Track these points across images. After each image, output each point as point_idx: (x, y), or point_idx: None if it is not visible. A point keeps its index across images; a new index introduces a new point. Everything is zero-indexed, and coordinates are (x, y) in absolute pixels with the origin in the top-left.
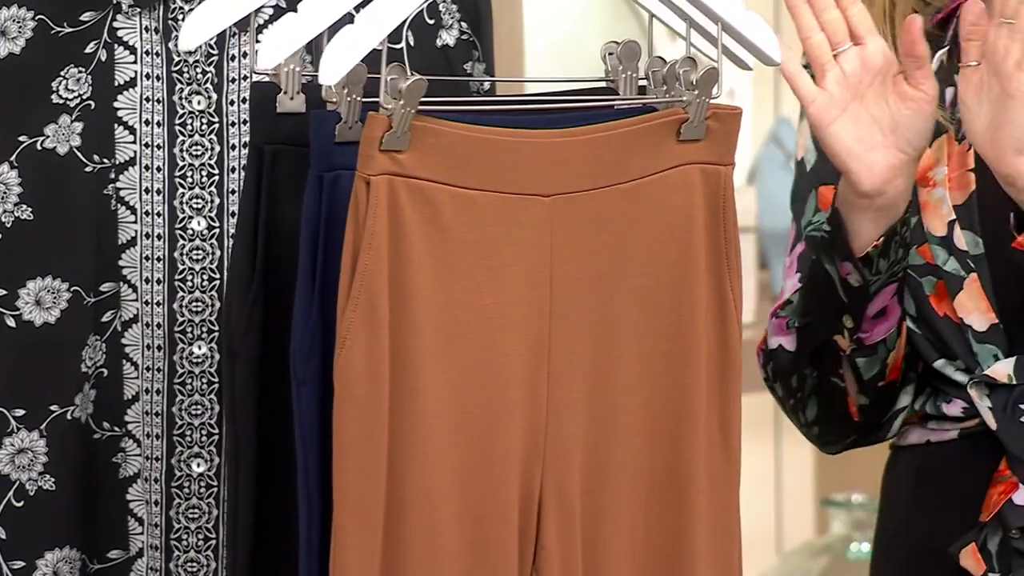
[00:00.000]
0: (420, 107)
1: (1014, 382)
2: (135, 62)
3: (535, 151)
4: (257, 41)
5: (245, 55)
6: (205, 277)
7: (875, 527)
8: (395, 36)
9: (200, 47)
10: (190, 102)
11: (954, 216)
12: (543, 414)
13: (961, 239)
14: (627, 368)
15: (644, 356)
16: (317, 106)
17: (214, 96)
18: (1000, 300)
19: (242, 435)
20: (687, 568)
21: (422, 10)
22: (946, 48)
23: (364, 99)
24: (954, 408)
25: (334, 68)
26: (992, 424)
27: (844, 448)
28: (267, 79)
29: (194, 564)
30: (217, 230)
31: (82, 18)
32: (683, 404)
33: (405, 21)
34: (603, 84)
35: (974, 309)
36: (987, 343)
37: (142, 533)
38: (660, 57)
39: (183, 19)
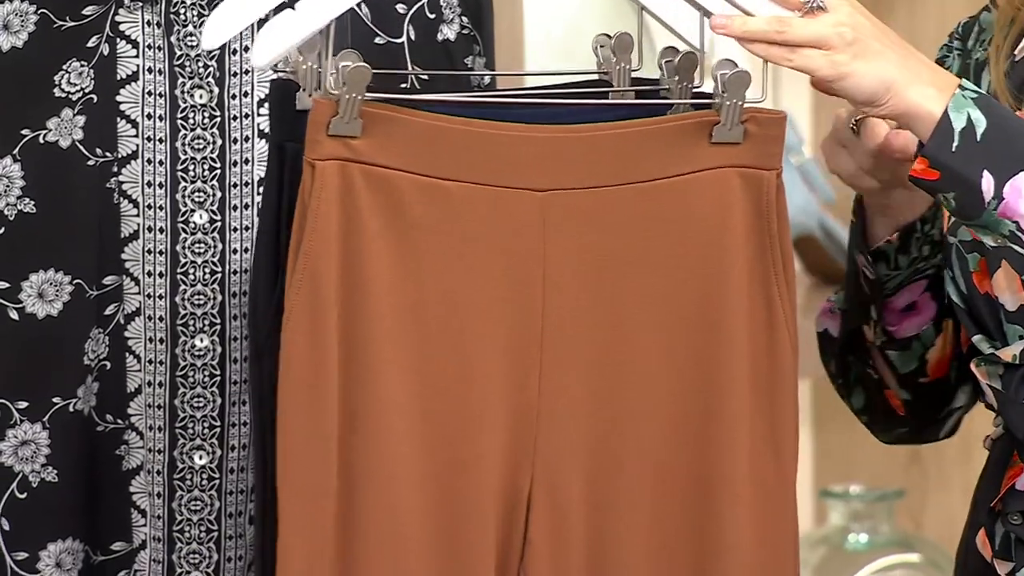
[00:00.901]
0: (407, 101)
1: (1018, 363)
2: (137, 56)
3: (525, 145)
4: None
5: (247, 49)
6: (207, 270)
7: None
8: (396, 31)
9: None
10: (192, 96)
11: None
12: (534, 414)
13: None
14: (641, 372)
15: (663, 360)
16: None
17: (216, 90)
18: None
19: (270, 431)
20: (722, 569)
21: (423, 4)
22: None
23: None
24: (989, 395)
25: (266, 51)
26: (994, 403)
27: (896, 440)
28: (286, 77)
29: (196, 556)
30: (219, 223)
31: (84, 12)
32: (716, 409)
33: (406, 16)
34: (597, 77)
35: (1007, 288)
36: (1015, 323)
37: (145, 525)
38: (672, 47)
39: (184, 13)
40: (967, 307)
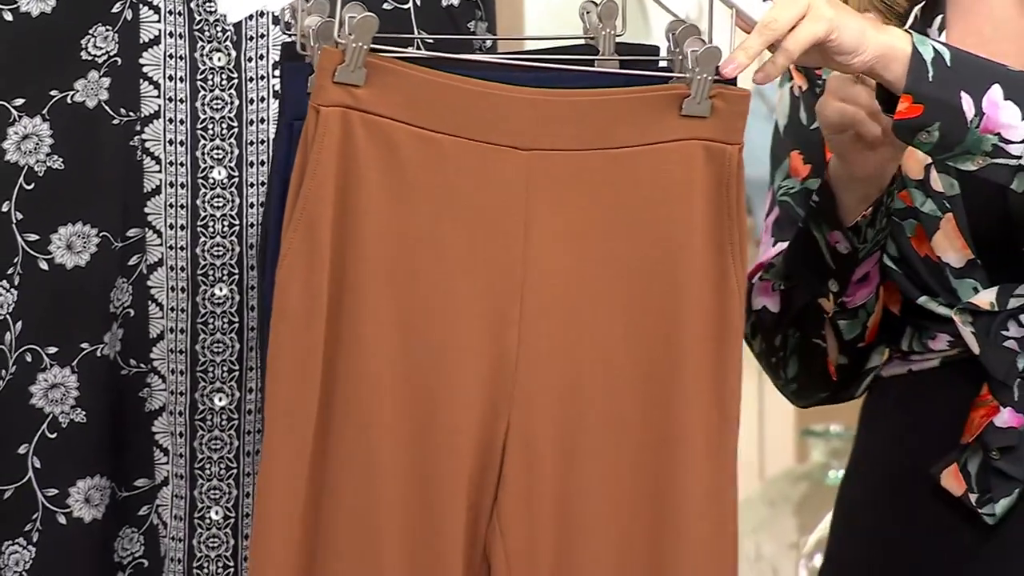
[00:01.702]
0: (408, 56)
1: (996, 309)
2: (159, 21)
3: (514, 105)
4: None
5: (263, 14)
6: (225, 223)
7: (852, 450)
8: None
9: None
10: (211, 59)
11: (930, 160)
12: (513, 359)
13: (937, 182)
14: (607, 327)
15: (629, 317)
16: None
17: (233, 53)
18: (975, 237)
19: None
20: (675, 519)
21: None
22: (922, 2)
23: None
24: (939, 343)
25: (236, 4)
26: (976, 349)
27: (815, 403)
28: (292, 42)
29: (216, 492)
30: (237, 179)
31: None
32: (673, 367)
33: None
34: (584, 42)
35: (949, 247)
36: (966, 278)
37: (167, 463)
38: (678, 19)
39: None
40: (904, 271)
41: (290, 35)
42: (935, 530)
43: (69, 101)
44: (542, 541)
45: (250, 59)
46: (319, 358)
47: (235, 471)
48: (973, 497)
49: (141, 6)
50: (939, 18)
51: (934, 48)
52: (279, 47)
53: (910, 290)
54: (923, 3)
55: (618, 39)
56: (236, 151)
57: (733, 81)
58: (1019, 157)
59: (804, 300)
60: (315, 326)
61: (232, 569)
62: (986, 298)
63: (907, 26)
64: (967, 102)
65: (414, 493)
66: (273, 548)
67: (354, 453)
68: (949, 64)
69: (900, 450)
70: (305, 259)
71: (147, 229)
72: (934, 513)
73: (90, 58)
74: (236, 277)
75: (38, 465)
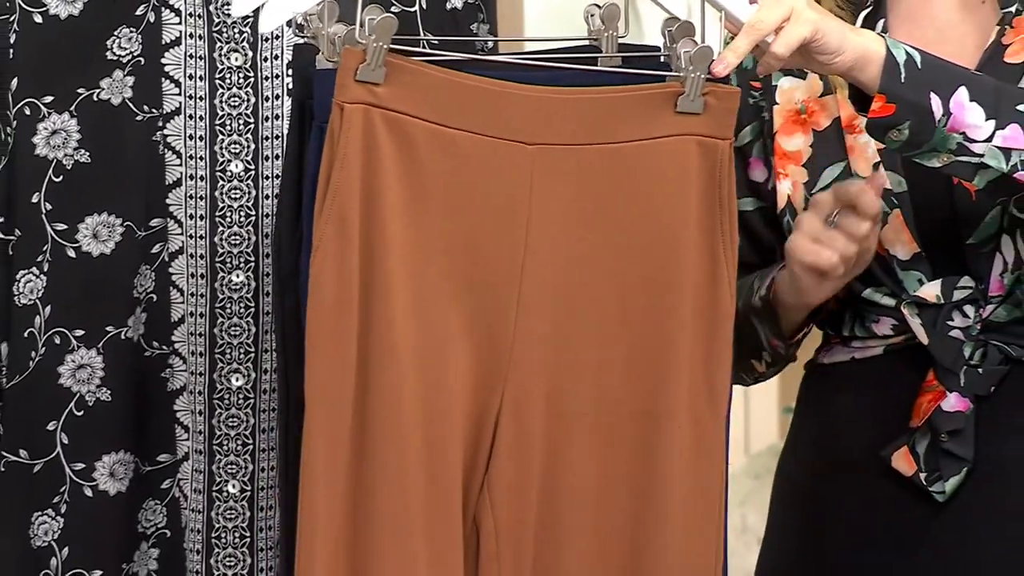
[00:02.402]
0: (421, 58)
1: (941, 301)
2: (180, 23)
3: (520, 103)
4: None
5: None
6: (242, 214)
7: (790, 432)
8: (410, 0)
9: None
10: (228, 59)
11: (879, 159)
12: (509, 339)
13: (886, 179)
14: (600, 311)
15: (623, 301)
16: None
17: (250, 53)
18: (921, 232)
19: (291, 355)
20: (662, 496)
21: None
22: (869, 8)
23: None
24: (883, 327)
25: (271, 16)
26: (924, 340)
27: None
28: (307, 41)
29: (233, 466)
30: (253, 172)
31: None
32: (665, 349)
33: None
34: (588, 43)
35: (896, 240)
36: (911, 270)
37: (188, 439)
38: (674, 16)
39: None
40: None
41: (303, 37)
42: (886, 508)
43: (95, 98)
44: (529, 513)
45: (265, 59)
46: (354, 342)
47: (251, 447)
48: (923, 476)
49: (163, 9)
50: (881, 22)
51: (906, 51)
52: (292, 48)
53: (855, 285)
54: (867, 10)
55: (620, 40)
56: (252, 146)
57: (725, 79)
58: (982, 155)
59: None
60: (349, 311)
61: (248, 539)
62: (931, 291)
63: None
64: (936, 103)
65: (428, 463)
66: (319, 512)
67: (388, 430)
68: (920, 67)
69: (845, 433)
70: (338, 249)
71: (169, 219)
72: (885, 492)
73: (115, 58)
74: (252, 264)
75: (66, 441)
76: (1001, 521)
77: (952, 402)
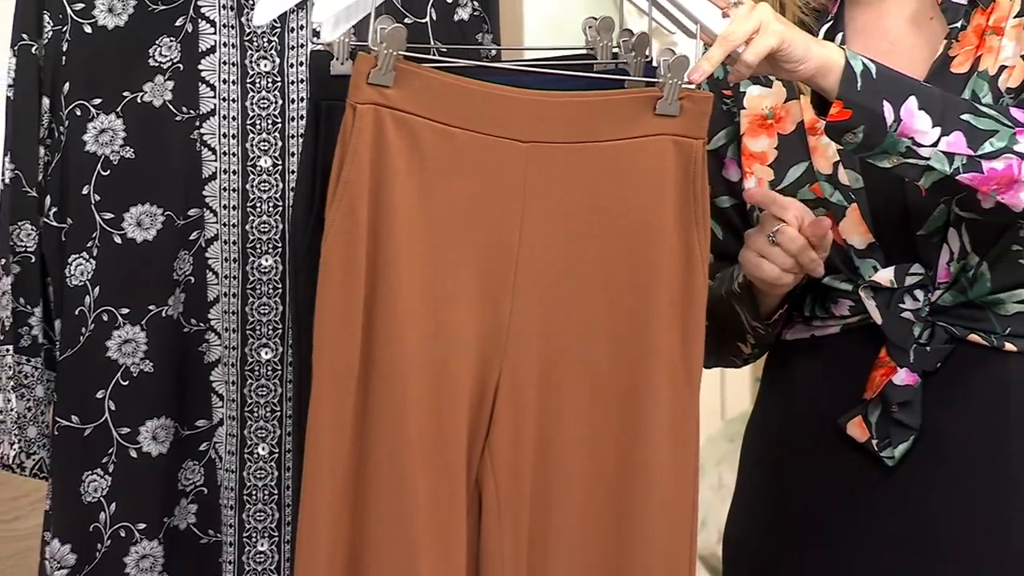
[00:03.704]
0: (434, 65)
1: (895, 286)
2: (215, 33)
3: (516, 105)
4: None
5: (303, 27)
6: (271, 204)
7: (757, 401)
8: (421, 12)
9: (268, 23)
10: (258, 65)
11: (838, 158)
12: (506, 319)
13: (844, 176)
14: (588, 295)
15: (608, 284)
16: None
17: (278, 60)
18: (876, 223)
19: (303, 330)
20: (644, 457)
21: None
22: (829, 22)
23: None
24: (841, 308)
25: (265, 11)
26: (879, 320)
27: (717, 367)
28: (323, 48)
29: (263, 430)
30: (280, 167)
31: None
32: (645, 327)
33: (428, 0)
34: (585, 52)
35: (854, 232)
36: (867, 258)
37: (222, 406)
38: (628, 29)
39: None
40: None
41: (320, 44)
42: (841, 471)
43: (139, 101)
44: (525, 474)
45: (291, 65)
46: (359, 317)
47: (279, 414)
48: (875, 443)
49: (200, 20)
50: (840, 35)
51: (863, 62)
52: (309, 54)
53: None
54: (828, 23)
55: (613, 50)
56: (279, 143)
57: (700, 85)
58: (928, 159)
59: (721, 344)
60: (355, 289)
61: (276, 496)
62: (885, 276)
63: None
64: (888, 110)
65: (432, 431)
66: (323, 474)
67: (389, 395)
68: (875, 77)
69: (805, 403)
70: (347, 232)
71: (205, 209)
72: (841, 456)
73: (157, 64)
74: (280, 250)
75: (113, 408)
76: (945, 483)
77: (902, 376)
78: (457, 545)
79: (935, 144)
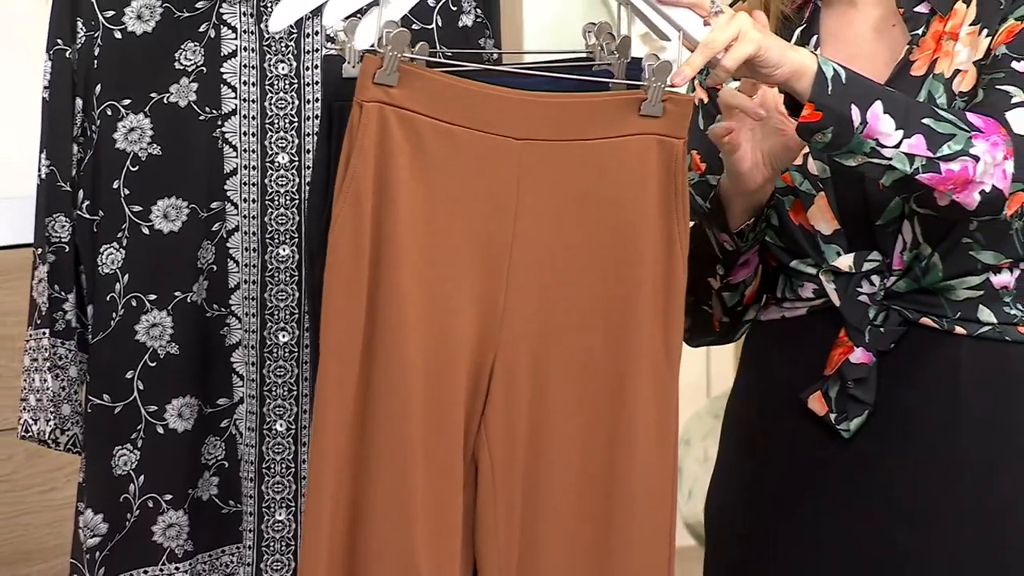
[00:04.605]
0: (437, 65)
1: (853, 271)
2: (236, 38)
3: (511, 104)
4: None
5: (317, 33)
6: (288, 198)
7: (736, 378)
8: (427, 19)
9: (284, 29)
10: (276, 68)
11: (807, 149)
12: (500, 306)
13: (813, 166)
14: (577, 282)
15: (596, 274)
16: None
17: (294, 64)
18: (841, 211)
19: (318, 316)
20: (628, 433)
21: None
22: (802, 27)
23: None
24: (807, 291)
25: (280, 18)
26: (837, 302)
27: (703, 345)
28: (336, 53)
29: (281, 408)
30: (297, 163)
31: (197, 5)
32: (630, 314)
33: (435, 8)
34: (584, 55)
35: (821, 219)
36: (831, 243)
37: (243, 386)
38: (611, 33)
39: (272, 6)
40: (780, 239)
41: (332, 48)
42: (804, 442)
43: (166, 101)
44: (519, 448)
45: (307, 68)
46: (364, 300)
47: (295, 393)
48: (833, 417)
49: (222, 27)
50: (814, 38)
51: (834, 68)
52: (322, 58)
53: (783, 256)
54: (801, 27)
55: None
56: (296, 141)
57: (684, 89)
58: (890, 159)
59: (700, 277)
60: (360, 276)
61: (293, 469)
62: (845, 261)
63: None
64: (855, 113)
65: (431, 408)
66: (328, 447)
67: (391, 374)
68: (844, 82)
69: (776, 380)
70: (352, 223)
71: (226, 202)
72: (804, 429)
73: (182, 67)
74: (296, 240)
75: (141, 387)
76: (896, 454)
77: (858, 355)
78: (453, 514)
79: (897, 146)
